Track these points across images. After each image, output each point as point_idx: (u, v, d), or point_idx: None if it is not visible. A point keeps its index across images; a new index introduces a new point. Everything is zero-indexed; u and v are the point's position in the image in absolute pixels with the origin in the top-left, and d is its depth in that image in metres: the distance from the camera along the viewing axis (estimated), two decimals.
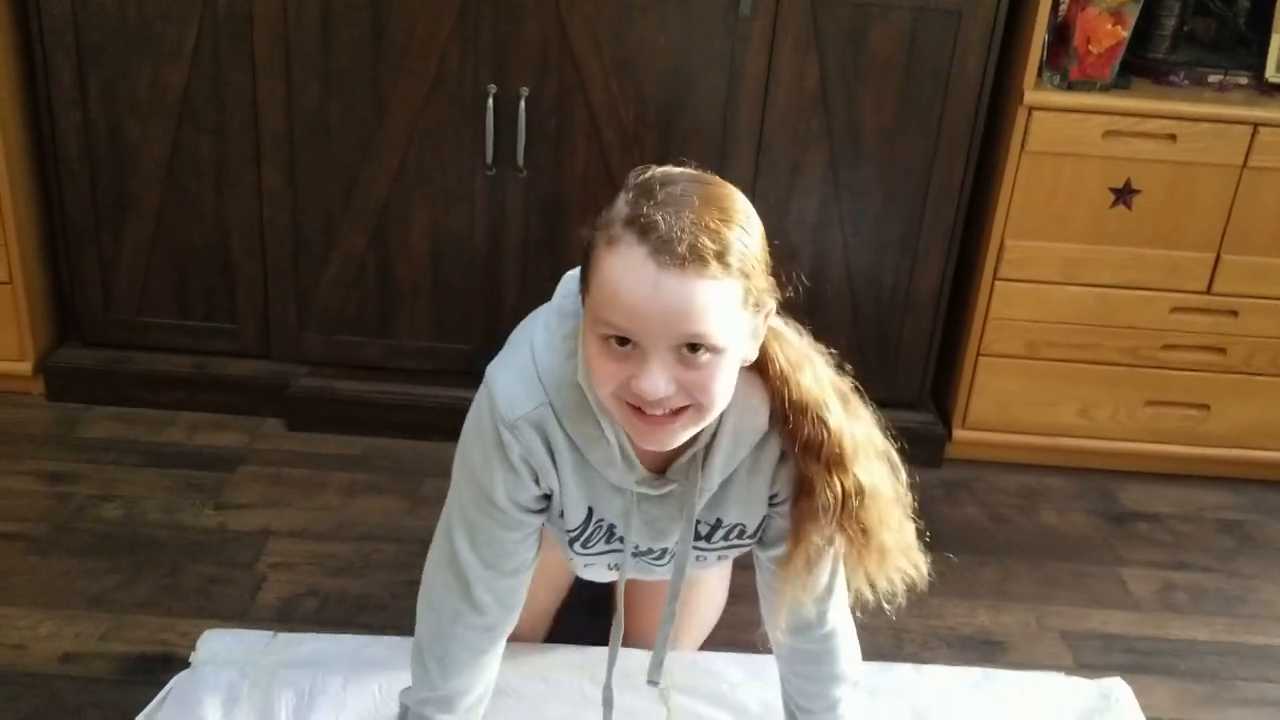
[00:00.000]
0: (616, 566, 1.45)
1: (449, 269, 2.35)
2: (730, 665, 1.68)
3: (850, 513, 1.27)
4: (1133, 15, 2.17)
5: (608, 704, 1.46)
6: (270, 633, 1.70)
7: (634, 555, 1.41)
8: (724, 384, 1.17)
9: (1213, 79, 2.30)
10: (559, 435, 1.28)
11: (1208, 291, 2.33)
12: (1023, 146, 2.21)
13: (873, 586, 1.35)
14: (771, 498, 1.36)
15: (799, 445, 1.27)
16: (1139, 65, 2.33)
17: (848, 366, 1.35)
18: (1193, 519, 2.39)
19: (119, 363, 2.43)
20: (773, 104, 2.22)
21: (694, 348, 1.13)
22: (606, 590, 1.57)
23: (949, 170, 2.27)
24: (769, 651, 1.49)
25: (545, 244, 2.33)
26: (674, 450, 1.28)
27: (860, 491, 1.27)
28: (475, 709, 1.44)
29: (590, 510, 1.36)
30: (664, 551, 1.42)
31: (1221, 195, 2.25)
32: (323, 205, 2.31)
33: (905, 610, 1.96)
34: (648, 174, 1.17)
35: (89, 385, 2.42)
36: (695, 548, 1.40)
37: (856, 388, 1.34)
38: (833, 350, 1.34)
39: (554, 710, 1.58)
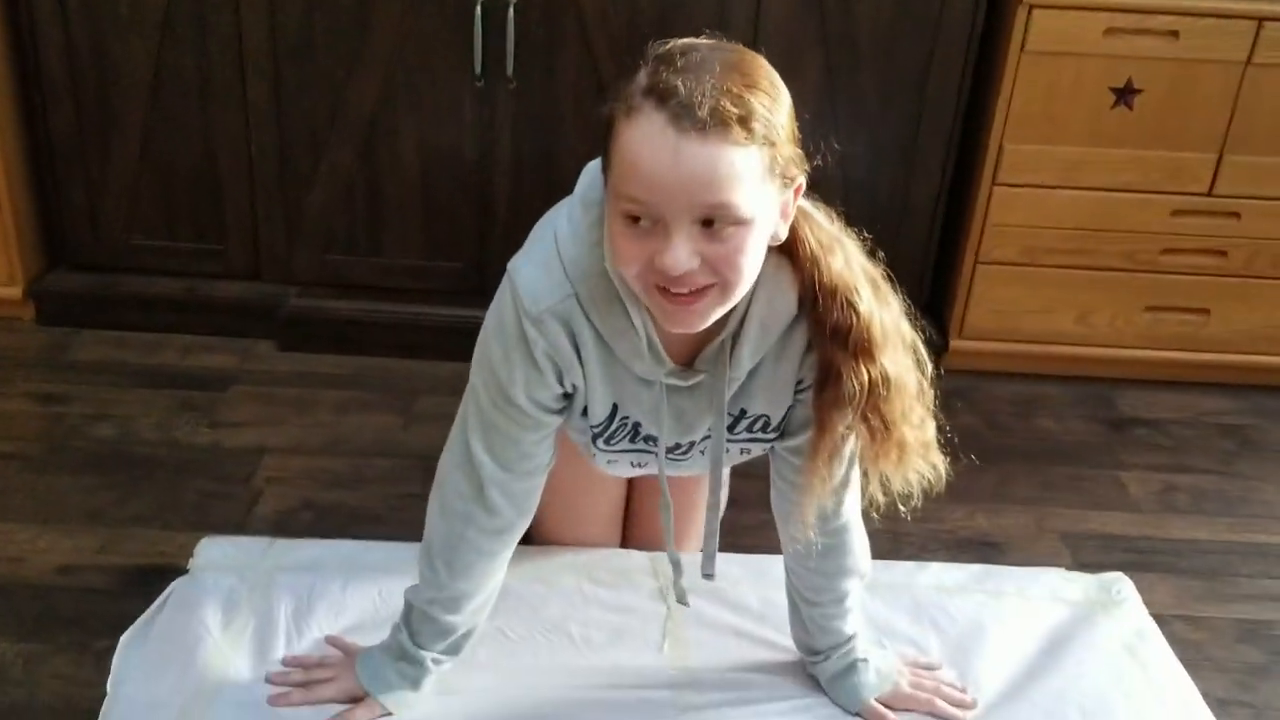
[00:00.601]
0: (639, 465, 1.44)
1: (439, 185, 2.32)
2: (729, 564, 1.66)
3: (875, 403, 1.24)
4: None
5: (675, 564, 1.48)
6: (268, 540, 1.69)
7: (661, 451, 1.39)
8: (751, 259, 1.13)
9: None
10: (585, 328, 1.25)
11: (1209, 193, 2.30)
12: (1022, 46, 2.17)
13: (887, 487, 1.32)
14: (797, 385, 1.34)
15: (827, 330, 1.23)
16: None
17: (880, 254, 1.32)
18: (1192, 424, 2.38)
19: (109, 286, 2.41)
20: (766, 9, 2.18)
21: (718, 220, 1.09)
22: None
23: (947, 73, 2.24)
24: (770, 552, 1.48)
25: (537, 157, 2.29)
26: (701, 339, 1.26)
27: (886, 381, 1.24)
28: (481, 610, 1.43)
29: (615, 407, 1.34)
30: (690, 445, 1.40)
31: (1224, 93, 2.22)
32: (309, 122, 2.27)
33: (902, 514, 2.00)
34: (668, 45, 1.13)
35: (79, 309, 2.40)
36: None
37: (888, 274, 1.31)
38: (866, 236, 1.31)
39: (554, 610, 1.58)
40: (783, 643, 1.54)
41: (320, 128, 2.28)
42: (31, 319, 2.43)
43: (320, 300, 2.39)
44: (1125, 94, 2.21)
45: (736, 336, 1.26)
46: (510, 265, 1.28)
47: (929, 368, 1.32)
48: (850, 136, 2.27)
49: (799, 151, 1.16)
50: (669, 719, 1.43)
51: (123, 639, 1.52)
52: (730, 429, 1.37)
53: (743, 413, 1.36)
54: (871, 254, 1.29)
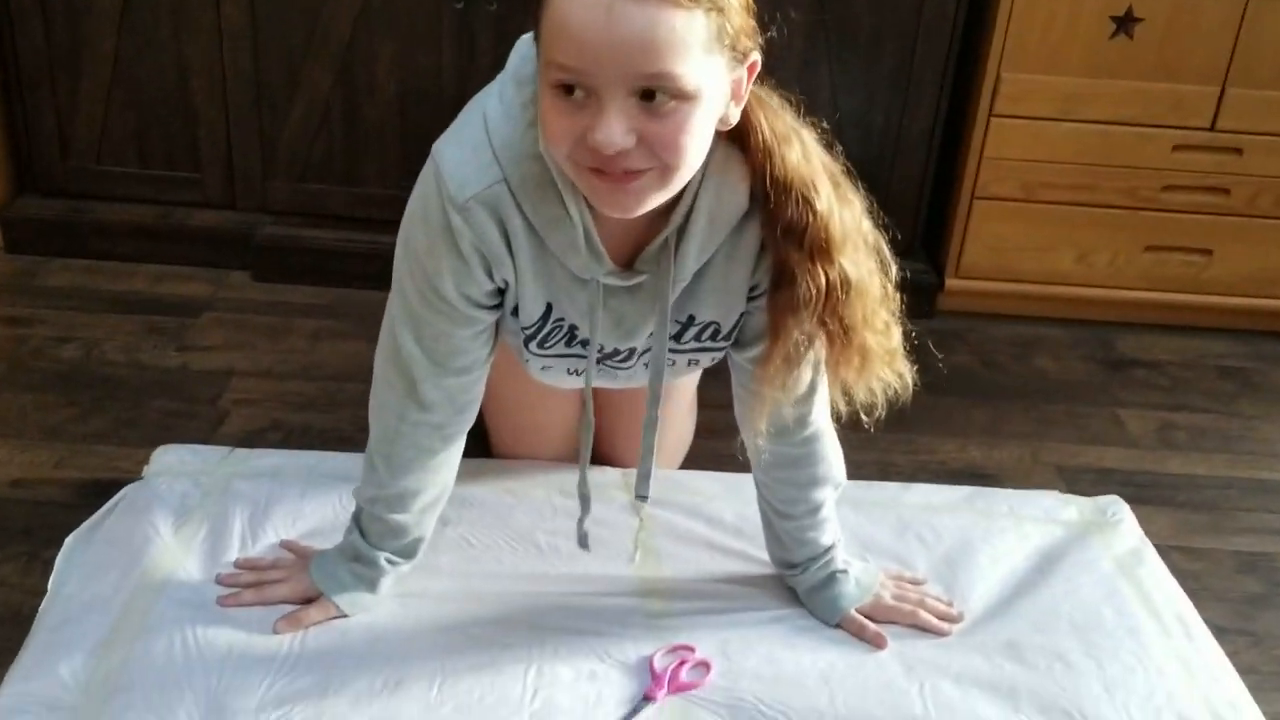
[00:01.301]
0: (576, 372, 1.35)
1: (418, 111, 2.25)
2: (704, 481, 1.61)
3: (833, 307, 1.16)
4: None
5: (584, 499, 1.38)
6: (227, 449, 1.63)
7: (599, 358, 1.32)
8: (695, 141, 1.04)
9: None
10: (516, 218, 1.15)
11: (1211, 128, 2.23)
12: None
13: (849, 397, 1.24)
14: (751, 290, 1.25)
15: (781, 228, 1.15)
16: None
17: (839, 146, 1.24)
18: (1193, 365, 2.31)
19: (79, 212, 2.34)
20: None
21: (657, 93, 0.99)
22: None
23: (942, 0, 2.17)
24: (744, 470, 1.42)
25: None
26: (643, 235, 1.18)
27: (846, 284, 1.16)
28: (429, 510, 1.35)
29: (550, 306, 1.25)
30: (631, 352, 1.32)
31: (1227, 23, 2.14)
32: (284, 45, 2.21)
33: (892, 445, 1.94)
34: None
35: (49, 236, 2.33)
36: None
37: (848, 170, 1.22)
38: (824, 127, 1.23)
39: (521, 519, 1.51)
40: (759, 556, 1.48)
41: (296, 51, 2.21)
42: (0, 248, 2.37)
43: (296, 229, 2.33)
44: (1126, 23, 2.14)
45: (682, 232, 1.17)
46: (435, 147, 1.19)
47: (893, 270, 1.24)
48: (843, 65, 2.21)
49: (753, 23, 1.06)
50: (638, 625, 1.36)
51: (68, 540, 1.46)
52: (676, 337, 1.28)
53: (690, 319, 1.27)
54: (829, 146, 1.21)
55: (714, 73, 1.03)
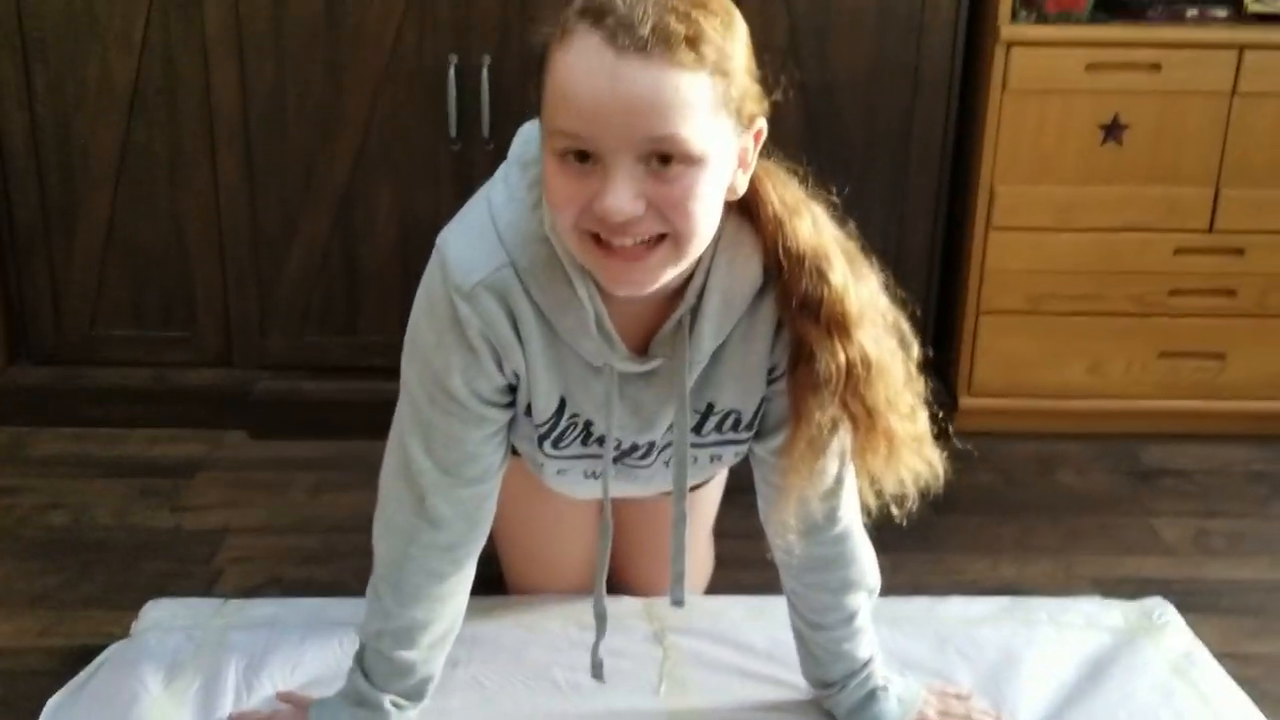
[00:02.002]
0: (594, 474, 1.29)
1: (418, 254, 2.19)
2: (730, 605, 1.52)
3: (854, 387, 1.11)
4: None
5: (600, 618, 1.29)
6: (220, 600, 1.54)
7: (615, 455, 1.25)
8: (705, 207, 1.01)
9: (1190, 14, 2.23)
10: (524, 303, 1.12)
11: (1210, 230, 2.22)
12: (1004, 86, 2.12)
13: (879, 489, 1.18)
14: (770, 372, 1.20)
15: (796, 302, 1.11)
16: (1114, 6, 2.27)
17: (851, 223, 1.21)
18: (1220, 472, 2.24)
19: (71, 379, 2.30)
20: None
21: (665, 158, 0.97)
22: None
23: (930, 117, 2.19)
24: (773, 592, 1.34)
25: None
26: (656, 317, 1.14)
27: (866, 362, 1.11)
28: (438, 646, 1.27)
29: (563, 401, 1.20)
30: (650, 447, 1.26)
31: (1213, 125, 2.16)
32: (281, 193, 2.21)
33: (922, 566, 1.86)
34: None
35: (39, 405, 2.28)
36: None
37: (864, 247, 1.19)
38: (835, 201, 1.20)
39: (537, 655, 1.41)
40: (793, 680, 1.38)
41: (293, 199, 2.21)
42: None
43: (294, 383, 2.29)
44: (1113, 130, 2.16)
45: (695, 312, 1.13)
46: (439, 237, 1.16)
47: (915, 349, 1.20)
48: (837, 185, 2.20)
49: (757, 88, 1.05)
50: None
51: (49, 703, 1.37)
52: (697, 429, 1.22)
53: (710, 407, 1.21)
54: (842, 221, 1.19)
55: (721, 136, 1.00)
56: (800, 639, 1.34)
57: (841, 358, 1.10)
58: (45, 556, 1.85)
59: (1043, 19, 2.13)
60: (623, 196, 0.96)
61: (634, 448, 1.26)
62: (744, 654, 1.43)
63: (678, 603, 1.27)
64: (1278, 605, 1.80)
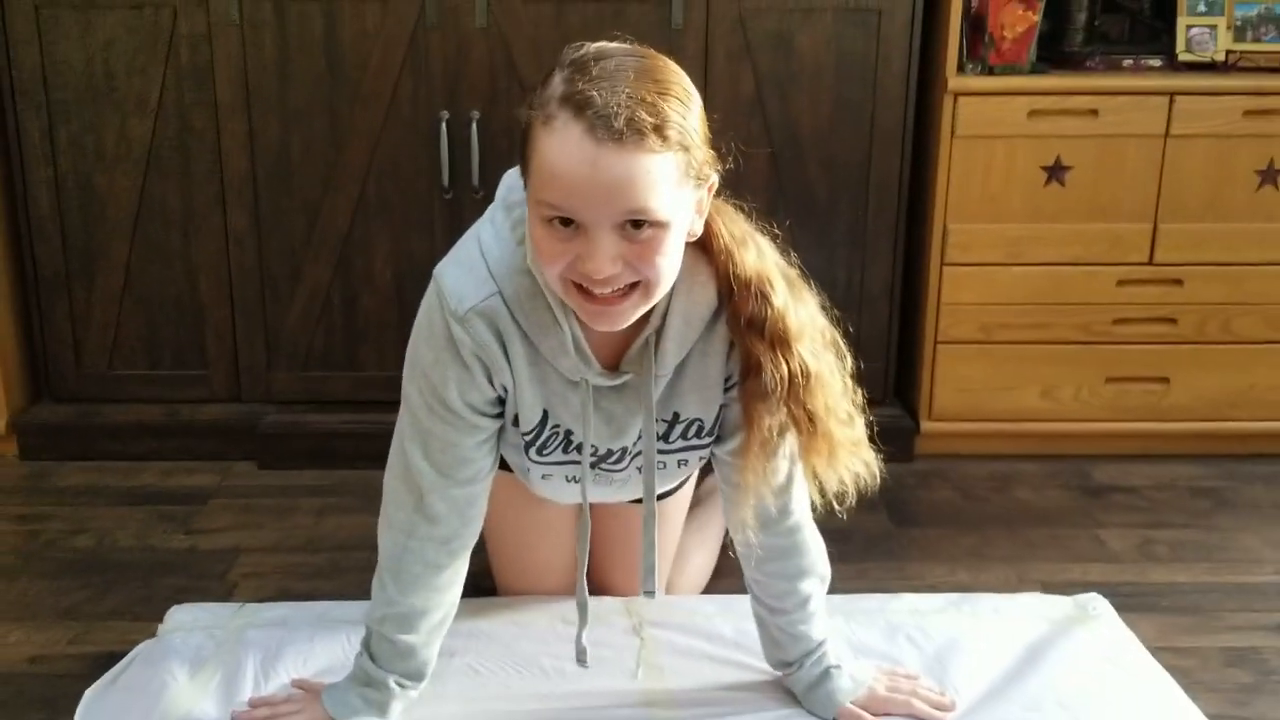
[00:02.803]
0: (575, 479, 1.45)
1: (412, 296, 2.38)
2: (704, 604, 1.68)
3: (796, 394, 1.29)
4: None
5: (582, 607, 1.44)
6: (238, 604, 1.69)
7: (592, 460, 1.42)
8: (670, 259, 1.19)
9: (1126, 63, 2.43)
10: (511, 327, 1.29)
11: (1150, 262, 2.39)
12: (953, 132, 2.30)
13: (823, 487, 1.35)
14: (726, 382, 1.37)
15: (744, 321, 1.29)
16: (1055, 58, 2.46)
17: (793, 254, 1.38)
18: (1168, 488, 2.39)
19: (90, 416, 2.45)
20: (711, 110, 2.31)
21: (637, 224, 1.14)
22: None
23: (886, 162, 2.37)
24: (742, 591, 1.50)
25: None
26: (625, 338, 1.31)
27: (805, 373, 1.29)
28: (436, 631, 1.42)
29: (546, 413, 1.37)
30: (623, 453, 1.43)
31: (1149, 166, 2.34)
32: (287, 241, 2.38)
33: (884, 574, 2.00)
34: (582, 50, 1.19)
35: (61, 441, 2.44)
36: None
37: (803, 274, 1.37)
38: (777, 233, 1.38)
39: (526, 646, 1.56)
40: (758, 665, 1.53)
41: (298, 247, 2.38)
42: (14, 454, 2.46)
43: (299, 416, 2.44)
44: (1056, 171, 2.34)
45: (659, 333, 1.31)
46: (436, 270, 1.34)
47: (849, 362, 1.36)
48: (803, 225, 2.38)
49: (711, 151, 1.22)
50: None
51: (86, 693, 1.51)
52: (665, 437, 1.39)
53: (675, 417, 1.39)
54: (784, 253, 1.36)
55: (683, 201, 1.19)
56: (761, 624, 1.49)
57: (784, 369, 1.27)
58: (71, 575, 1.99)
59: (988, 70, 2.32)
60: (603, 261, 1.15)
61: (609, 453, 1.42)
62: (713, 643, 1.58)
63: (648, 593, 1.43)
64: (1214, 604, 1.94)
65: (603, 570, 1.71)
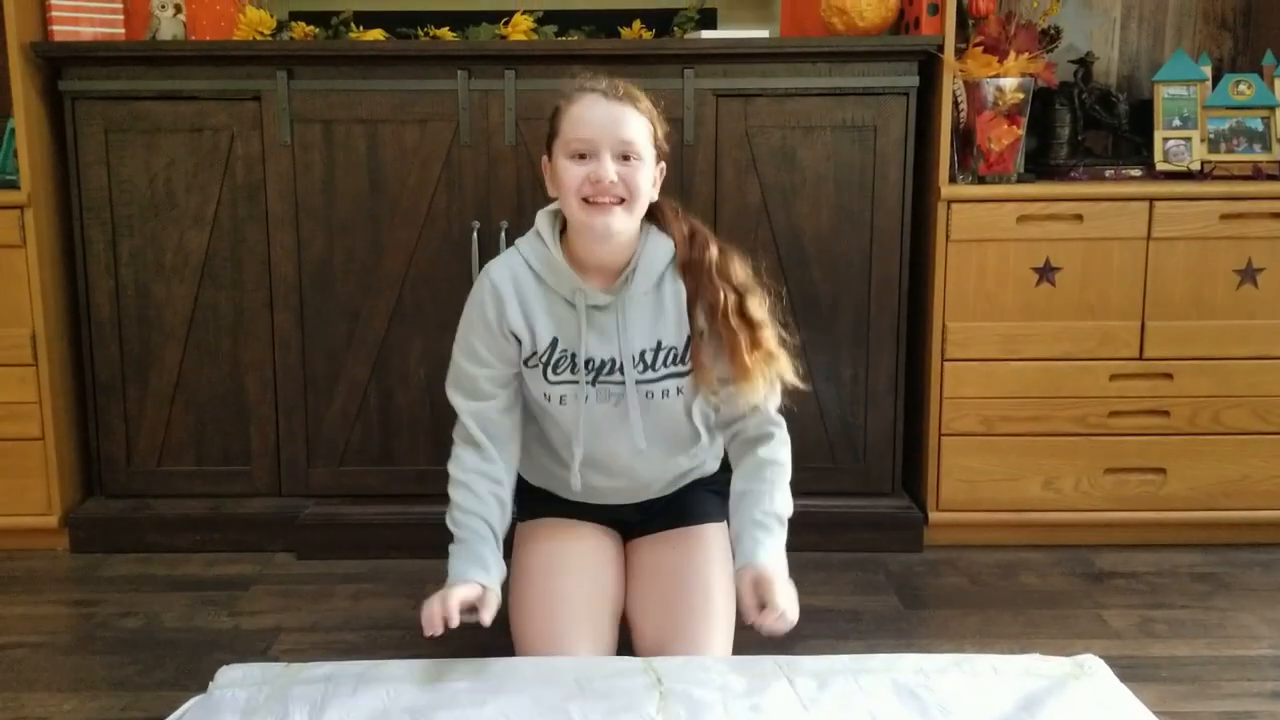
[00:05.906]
0: (585, 398, 1.84)
1: (444, 394, 2.55)
2: (716, 663, 1.76)
3: (740, 306, 1.79)
4: (1024, 114, 2.50)
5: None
6: (284, 663, 1.79)
7: (590, 376, 1.82)
8: (644, 184, 1.76)
9: (1108, 173, 2.61)
10: (526, 273, 1.84)
11: (1140, 357, 2.53)
12: (948, 236, 2.48)
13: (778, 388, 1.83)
14: (694, 324, 1.83)
15: (692, 260, 1.83)
16: (1042, 170, 2.65)
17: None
18: (1168, 574, 2.48)
19: (139, 510, 2.60)
20: (721, 219, 2.52)
21: (626, 157, 1.74)
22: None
23: (886, 264, 2.54)
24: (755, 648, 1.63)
25: None
26: (610, 276, 1.82)
27: (741, 288, 1.81)
28: (491, 509, 1.83)
29: (555, 340, 1.83)
30: (612, 365, 1.82)
31: (1134, 266, 2.50)
32: (328, 343, 2.56)
33: (892, 646, 2.10)
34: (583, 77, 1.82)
35: (111, 535, 2.58)
36: (643, 380, 1.82)
37: (728, 242, 1.90)
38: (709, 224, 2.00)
39: (552, 695, 1.65)
40: (768, 707, 1.61)
41: (338, 349, 2.56)
42: (65, 548, 2.60)
43: (336, 508, 2.58)
44: (1046, 271, 2.50)
45: (634, 270, 1.81)
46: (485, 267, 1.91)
47: (769, 296, 1.86)
48: (809, 325, 2.54)
49: (664, 142, 1.82)
50: None
51: None
52: (652, 364, 1.83)
53: (659, 345, 1.83)
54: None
55: (650, 155, 1.79)
56: (734, 512, 1.85)
57: (729, 288, 1.80)
58: (122, 652, 2.11)
59: (978, 180, 2.51)
60: (609, 169, 1.74)
61: (603, 364, 1.82)
62: (726, 694, 1.67)
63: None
64: (1211, 675, 2.03)
65: (634, 616, 1.90)
